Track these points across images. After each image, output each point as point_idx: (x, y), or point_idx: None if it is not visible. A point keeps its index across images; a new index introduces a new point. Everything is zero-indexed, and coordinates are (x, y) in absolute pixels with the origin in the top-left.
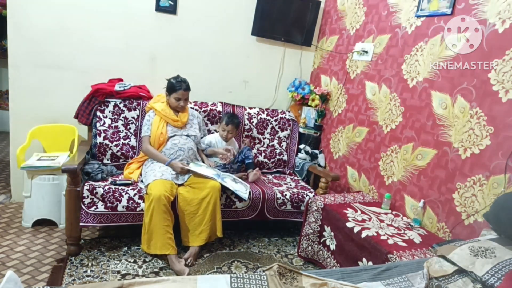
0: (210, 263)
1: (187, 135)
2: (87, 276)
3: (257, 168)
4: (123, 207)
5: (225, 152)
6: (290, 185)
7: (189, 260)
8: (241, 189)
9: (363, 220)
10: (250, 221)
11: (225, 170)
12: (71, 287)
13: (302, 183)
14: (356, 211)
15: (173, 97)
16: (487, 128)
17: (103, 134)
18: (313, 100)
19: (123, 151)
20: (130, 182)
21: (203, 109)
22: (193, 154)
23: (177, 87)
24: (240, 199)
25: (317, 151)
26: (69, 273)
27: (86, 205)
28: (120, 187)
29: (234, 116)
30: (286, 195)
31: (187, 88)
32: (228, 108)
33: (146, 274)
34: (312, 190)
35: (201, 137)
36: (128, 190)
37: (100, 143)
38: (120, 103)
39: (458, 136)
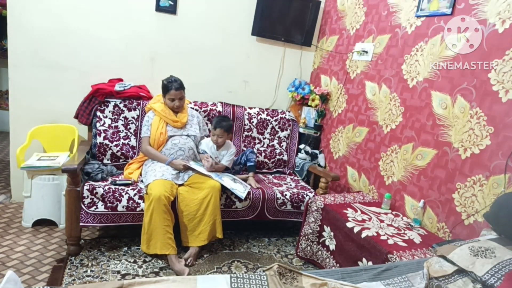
0: (210, 263)
1: (187, 135)
2: (87, 276)
3: (251, 174)
4: (123, 207)
5: (206, 160)
6: (290, 185)
7: (189, 260)
8: (239, 188)
9: (363, 220)
10: (250, 221)
11: (227, 172)
12: (71, 287)
13: (302, 183)
14: (356, 211)
15: (167, 98)
16: (487, 128)
17: (103, 134)
18: (313, 100)
19: (123, 151)
20: (130, 182)
21: (203, 109)
22: (193, 154)
23: (169, 87)
24: (240, 199)
25: (317, 151)
26: (69, 273)
27: (86, 205)
28: (120, 187)
29: (223, 118)
30: (286, 195)
31: (179, 87)
32: (228, 108)
33: (146, 274)
34: (312, 190)
35: (202, 137)
36: (128, 190)
37: (100, 143)
38: (120, 103)
39: (458, 136)
